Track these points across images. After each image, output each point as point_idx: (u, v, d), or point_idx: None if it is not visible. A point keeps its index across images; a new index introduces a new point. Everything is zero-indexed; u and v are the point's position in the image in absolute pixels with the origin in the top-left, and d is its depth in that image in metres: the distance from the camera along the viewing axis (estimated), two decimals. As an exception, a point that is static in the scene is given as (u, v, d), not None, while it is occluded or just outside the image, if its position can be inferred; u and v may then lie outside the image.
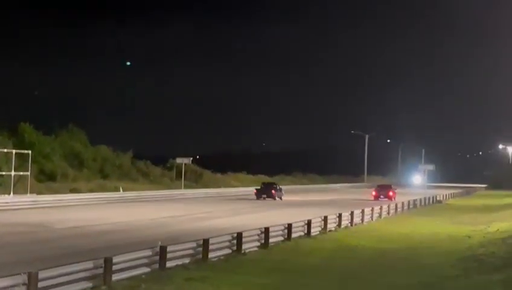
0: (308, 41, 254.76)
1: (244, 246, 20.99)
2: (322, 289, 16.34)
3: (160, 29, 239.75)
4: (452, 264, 19.73)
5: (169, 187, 66.37)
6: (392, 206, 43.41)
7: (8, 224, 30.00)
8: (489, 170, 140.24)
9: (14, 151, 46.55)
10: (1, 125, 55.06)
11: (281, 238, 24.46)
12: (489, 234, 28.15)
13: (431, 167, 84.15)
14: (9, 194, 43.66)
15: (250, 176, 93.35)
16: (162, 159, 77.98)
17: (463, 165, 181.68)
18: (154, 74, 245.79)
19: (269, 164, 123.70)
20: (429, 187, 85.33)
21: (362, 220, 34.50)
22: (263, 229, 22.83)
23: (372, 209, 37.33)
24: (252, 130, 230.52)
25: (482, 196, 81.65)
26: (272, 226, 23.89)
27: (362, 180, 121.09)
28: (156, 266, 16.82)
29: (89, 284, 14.38)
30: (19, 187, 46.04)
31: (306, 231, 26.69)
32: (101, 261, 14.67)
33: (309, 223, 27.05)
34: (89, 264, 14.51)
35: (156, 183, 68.39)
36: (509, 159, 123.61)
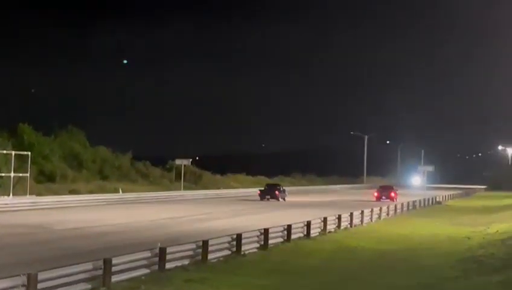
0: (308, 41, 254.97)
1: (243, 248, 20.99)
2: (321, 291, 16.34)
3: (160, 29, 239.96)
4: (451, 266, 19.72)
5: (168, 188, 66.35)
6: (392, 207, 43.42)
7: (8, 225, 29.99)
8: (489, 171, 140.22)
9: (13, 152, 46.54)
10: (0, 126, 55.10)
11: (281, 239, 24.45)
12: (488, 235, 28.15)
13: (430, 168, 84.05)
14: (8, 195, 43.64)
15: (250, 177, 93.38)
16: (161, 160, 78.00)
17: (462, 166, 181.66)
18: (154, 74, 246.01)
19: (269, 165, 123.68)
20: (428, 188, 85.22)
21: (362, 221, 34.49)
22: (262, 231, 22.83)
23: (372, 211, 37.33)
24: (252, 131, 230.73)
25: (482, 197, 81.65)
26: (271, 227, 23.88)
27: (361, 182, 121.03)
28: (156, 267, 16.81)
29: (89, 286, 14.37)
30: (19, 188, 46.02)
31: (305, 232, 26.69)
32: (101, 262, 14.66)
33: (308, 225, 27.05)
34: (89, 266, 14.51)
35: (155, 184, 68.37)
36: (508, 160, 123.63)
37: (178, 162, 68.89)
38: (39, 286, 12.78)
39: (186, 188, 67.61)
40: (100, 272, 14.60)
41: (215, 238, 20.42)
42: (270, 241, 22.93)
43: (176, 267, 17.46)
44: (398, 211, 44.24)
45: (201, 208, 45.59)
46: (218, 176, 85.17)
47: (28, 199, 43.25)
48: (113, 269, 14.91)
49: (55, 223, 30.92)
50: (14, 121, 58.62)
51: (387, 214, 41.03)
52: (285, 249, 23.03)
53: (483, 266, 19.13)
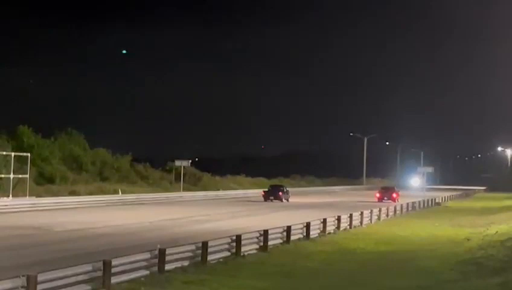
0: (308, 41, 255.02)
1: (243, 249, 20.98)
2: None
3: (160, 29, 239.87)
4: (451, 267, 19.72)
5: (168, 190, 66.34)
6: (391, 208, 43.44)
7: (7, 227, 29.97)
8: (488, 173, 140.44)
9: (13, 154, 46.54)
10: (0, 128, 55.10)
11: (280, 240, 24.46)
12: (488, 236, 28.13)
13: (430, 169, 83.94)
14: (8, 197, 43.61)
15: (249, 179, 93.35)
16: (161, 162, 78.02)
17: (462, 167, 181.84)
18: (154, 74, 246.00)
19: (268, 166, 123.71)
20: (428, 189, 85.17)
21: (361, 222, 34.49)
22: (262, 232, 22.83)
23: (371, 212, 37.33)
24: (251, 132, 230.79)
25: (481, 198, 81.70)
26: (270, 228, 23.88)
27: (361, 183, 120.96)
28: (155, 268, 16.81)
29: (88, 287, 14.37)
30: (18, 190, 46.00)
31: (305, 234, 26.69)
32: (100, 264, 14.66)
33: (308, 226, 27.06)
34: (88, 267, 14.51)
35: (155, 186, 68.33)
36: (508, 162, 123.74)
37: (177, 163, 68.89)
38: (39, 287, 12.78)
39: (185, 189, 67.60)
40: (100, 273, 14.60)
41: (215, 239, 20.42)
42: (269, 243, 22.93)
43: (176, 268, 17.46)
44: (397, 212, 44.26)
45: (201, 209, 45.58)
46: (217, 178, 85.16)
47: (27, 201, 43.26)
48: (113, 270, 14.91)
49: (54, 225, 30.91)
50: (14, 123, 58.68)
51: (387, 216, 41.04)
52: (285, 251, 23.04)
53: (482, 267, 19.12)
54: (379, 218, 38.61)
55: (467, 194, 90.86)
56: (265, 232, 22.87)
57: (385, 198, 63.08)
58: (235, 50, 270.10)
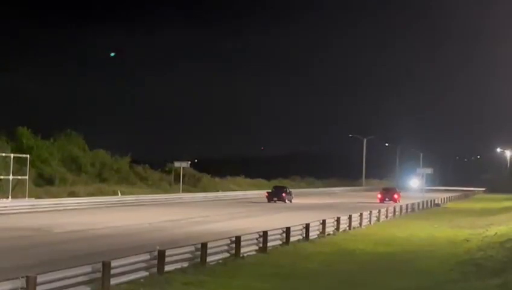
0: (308, 41, 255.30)
1: (242, 250, 20.98)
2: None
3: (160, 30, 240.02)
4: (450, 268, 19.73)
5: (167, 191, 66.32)
6: (391, 209, 43.44)
7: (7, 228, 29.96)
8: (488, 174, 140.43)
9: (12, 155, 46.55)
10: (-1, 129, 55.06)
11: (280, 242, 24.46)
12: (487, 237, 28.14)
13: (429, 170, 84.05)
14: (7, 198, 43.62)
15: (249, 180, 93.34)
16: (160, 163, 78.02)
17: (461, 168, 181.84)
18: (154, 74, 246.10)
19: (268, 167, 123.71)
20: (427, 190, 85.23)
21: (360, 223, 34.50)
22: (261, 233, 22.83)
23: (370, 213, 37.34)
24: (251, 133, 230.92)
25: (480, 200, 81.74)
26: (270, 229, 23.89)
27: (360, 184, 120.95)
28: (155, 270, 16.81)
29: (88, 289, 14.37)
30: (18, 191, 46.01)
31: (304, 235, 26.70)
32: (100, 265, 14.66)
33: (307, 227, 27.06)
34: (88, 269, 14.51)
35: (154, 187, 68.32)
36: (507, 163, 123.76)
37: (177, 164, 68.89)
38: (38, 288, 12.77)
39: (185, 190, 67.60)
40: (99, 274, 14.60)
41: (214, 240, 20.43)
42: (269, 244, 22.94)
43: (175, 269, 17.46)
44: (397, 213, 44.28)
45: (200, 210, 45.57)
46: (217, 179, 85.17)
47: (27, 202, 43.26)
48: (112, 271, 14.91)
49: (54, 226, 30.91)
50: (13, 125, 58.68)
51: (386, 217, 41.06)
52: (284, 252, 23.04)
53: (482, 268, 19.13)
54: (378, 219, 38.62)
55: (466, 195, 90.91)
56: (265, 233, 22.87)
57: (387, 199, 63.60)
58: (235, 50, 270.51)
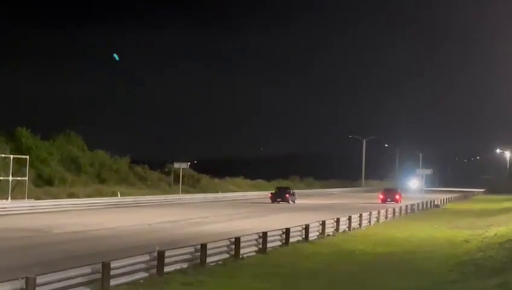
0: (308, 41, 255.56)
1: (242, 251, 20.97)
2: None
3: (160, 30, 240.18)
4: (450, 269, 19.73)
5: (167, 192, 66.33)
6: (390, 210, 43.44)
7: (7, 229, 29.96)
8: (487, 175, 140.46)
9: (11, 156, 46.53)
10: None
11: (279, 242, 24.46)
12: (487, 238, 28.14)
13: (429, 171, 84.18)
14: (7, 199, 43.61)
15: (248, 181, 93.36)
16: (159, 164, 78.03)
17: (461, 169, 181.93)
18: (154, 74, 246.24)
19: (267, 168, 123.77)
20: (427, 191, 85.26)
21: (360, 224, 34.49)
22: (261, 234, 22.83)
23: (370, 214, 37.34)
24: (251, 134, 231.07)
25: (480, 200, 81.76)
26: (269, 230, 23.89)
27: (359, 185, 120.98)
28: (154, 270, 16.81)
29: None
30: (17, 192, 45.99)
31: (304, 236, 26.69)
32: (99, 266, 14.65)
33: (307, 228, 27.05)
34: (87, 269, 14.50)
35: (153, 188, 68.33)
36: (506, 164, 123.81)
37: (176, 165, 68.90)
38: (38, 289, 12.77)
39: (184, 191, 67.61)
40: (99, 275, 14.60)
41: (214, 241, 20.43)
42: (268, 245, 22.93)
43: (175, 270, 17.46)
44: (396, 214, 44.27)
45: (200, 211, 45.56)
46: (216, 180, 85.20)
47: (26, 203, 43.25)
48: (112, 272, 14.90)
49: (53, 227, 30.91)
50: (12, 125, 58.69)
51: (386, 217, 41.06)
52: (284, 253, 23.03)
53: (481, 269, 19.13)
54: (378, 220, 38.61)
55: (465, 196, 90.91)
56: (264, 234, 22.87)
57: (388, 199, 63.96)
58: (235, 50, 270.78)
